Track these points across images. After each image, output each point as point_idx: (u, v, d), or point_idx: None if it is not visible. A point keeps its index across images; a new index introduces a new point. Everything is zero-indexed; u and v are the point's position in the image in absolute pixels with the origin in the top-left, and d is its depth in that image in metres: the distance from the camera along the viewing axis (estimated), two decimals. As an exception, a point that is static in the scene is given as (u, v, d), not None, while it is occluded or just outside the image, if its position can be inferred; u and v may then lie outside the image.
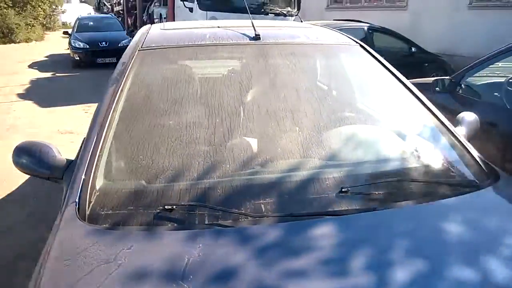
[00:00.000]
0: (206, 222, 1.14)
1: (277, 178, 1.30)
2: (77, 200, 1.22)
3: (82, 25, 11.60)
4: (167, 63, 1.77)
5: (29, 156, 1.43)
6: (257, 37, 1.82)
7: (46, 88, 8.04)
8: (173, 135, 1.44)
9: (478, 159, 1.46)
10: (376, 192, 1.27)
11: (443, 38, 7.84)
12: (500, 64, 3.00)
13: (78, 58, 10.39)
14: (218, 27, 2.02)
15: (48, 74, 9.47)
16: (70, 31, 12.11)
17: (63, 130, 5.11)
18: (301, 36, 1.91)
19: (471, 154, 1.48)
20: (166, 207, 1.17)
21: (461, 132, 1.63)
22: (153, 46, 1.79)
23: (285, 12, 8.94)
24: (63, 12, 30.56)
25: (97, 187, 1.27)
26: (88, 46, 10.31)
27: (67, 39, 11.34)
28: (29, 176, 1.73)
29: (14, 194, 3.39)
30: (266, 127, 1.47)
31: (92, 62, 10.21)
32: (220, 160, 1.35)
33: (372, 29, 6.36)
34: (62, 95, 7.15)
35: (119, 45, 10.57)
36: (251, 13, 2.07)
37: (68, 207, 1.21)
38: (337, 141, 1.49)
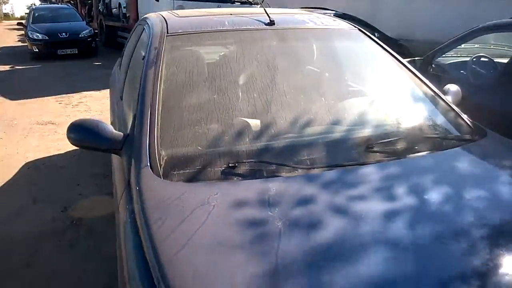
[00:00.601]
0: (265, 175, 1.36)
1: (315, 139, 1.55)
2: (148, 164, 1.40)
3: (38, 16, 11.13)
4: (196, 46, 1.95)
5: (87, 132, 1.58)
6: (272, 23, 2.04)
7: (8, 81, 7.75)
8: (218, 106, 1.64)
9: (468, 120, 1.79)
10: (394, 147, 1.55)
11: (400, 24, 8.38)
12: (463, 46, 3.41)
13: (37, 50, 10.02)
14: (231, 14, 2.21)
15: (6, 67, 9.08)
16: (24, 22, 11.60)
17: (42, 121, 5.05)
18: (309, 22, 2.15)
19: (462, 116, 1.81)
20: (230, 164, 1.39)
21: (448, 100, 1.96)
22: (180, 32, 1.96)
23: (250, 0, 9.14)
24: (4, 2, 28.85)
25: (163, 153, 1.45)
26: (47, 38, 9.95)
27: (16, 31, 10.87)
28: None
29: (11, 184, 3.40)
30: (297, 99, 1.71)
31: (53, 54, 9.88)
32: (264, 127, 1.57)
33: (338, 16, 6.71)
34: (28, 87, 6.95)
35: (80, 35, 10.31)
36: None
37: (142, 169, 1.38)
38: (355, 110, 1.76)
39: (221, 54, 1.96)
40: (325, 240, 1.07)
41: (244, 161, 1.41)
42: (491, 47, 3.68)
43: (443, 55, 3.40)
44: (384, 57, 2.06)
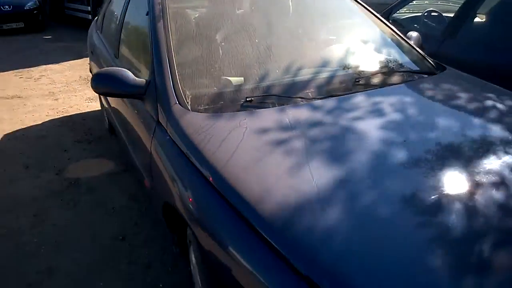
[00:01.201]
0: (277, 106, 1.64)
1: (312, 77, 1.84)
2: (177, 102, 1.63)
3: (-27, -12, 10.30)
4: (197, 2, 2.15)
5: (112, 79, 1.76)
6: None
7: (-47, 58, 7.28)
8: (228, 51, 1.88)
9: (430, 59, 2.17)
10: (375, 80, 1.88)
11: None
12: (415, 2, 3.81)
13: (-23, 25, 9.36)
14: None
15: None
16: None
17: (7, 95, 4.93)
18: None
19: (425, 56, 2.18)
20: (247, 98, 1.65)
21: (412, 43, 2.32)
22: None
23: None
24: None
25: (187, 92, 1.68)
26: (-12, 12, 9.31)
27: None
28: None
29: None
30: (292, 46, 1.99)
31: (-5, 29, 9.29)
32: (269, 68, 1.84)
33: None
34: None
35: (25, 8, 9.73)
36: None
37: (173, 106, 1.61)
38: (339, 53, 2.07)
39: (220, 8, 2.17)
40: (340, 146, 1.39)
41: (259, 95, 1.67)
42: (439, 2, 4.12)
43: (398, 12, 3.78)
44: (357, 9, 2.37)
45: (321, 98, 1.69)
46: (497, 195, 1.17)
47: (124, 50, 2.46)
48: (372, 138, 1.43)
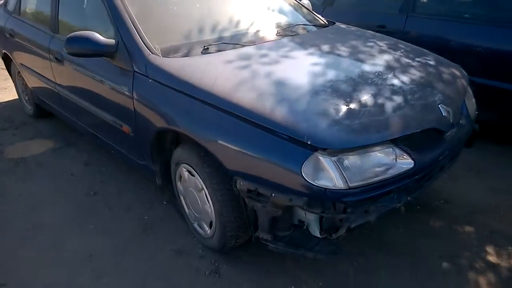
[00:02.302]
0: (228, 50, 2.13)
1: (247, 30, 2.37)
2: (150, 53, 2.01)
3: None
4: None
5: (85, 41, 2.04)
6: None
7: None
8: (179, 12, 2.31)
9: (323, 17, 2.87)
10: (291, 30, 2.49)
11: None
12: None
13: None
14: None
15: None
16: None
17: None
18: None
19: (317, 15, 2.88)
20: (205, 46, 2.11)
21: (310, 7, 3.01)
22: None
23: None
24: None
25: (156, 45, 2.06)
26: None
27: None
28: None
29: None
30: (228, 7, 2.51)
31: None
32: (214, 24, 2.32)
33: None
34: None
35: None
36: None
37: (149, 56, 1.99)
38: (264, 14, 2.64)
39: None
40: (284, 65, 1.95)
41: (213, 44, 2.14)
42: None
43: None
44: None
45: (262, 43, 2.24)
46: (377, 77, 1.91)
47: (66, 24, 2.67)
48: (296, 59, 2.05)
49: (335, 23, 2.84)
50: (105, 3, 2.24)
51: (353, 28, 2.78)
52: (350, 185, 1.51)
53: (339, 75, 1.90)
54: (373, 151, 1.57)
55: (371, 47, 2.32)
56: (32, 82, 3.32)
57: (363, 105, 1.68)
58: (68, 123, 3.07)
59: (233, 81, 1.79)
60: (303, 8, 2.94)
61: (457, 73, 2.21)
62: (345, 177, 1.50)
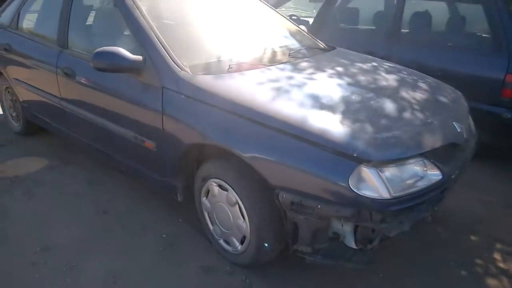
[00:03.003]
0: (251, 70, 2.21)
1: (264, 52, 2.47)
2: (180, 69, 2.04)
3: None
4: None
5: (112, 56, 2.04)
6: None
7: None
8: (202, 33, 2.37)
9: (322, 42, 3.03)
10: (301, 53, 2.62)
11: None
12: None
13: None
14: None
15: None
16: None
17: None
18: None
19: (317, 40, 3.04)
20: (230, 66, 2.17)
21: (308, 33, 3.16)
22: None
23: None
24: None
25: (184, 63, 2.10)
26: None
27: None
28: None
29: None
30: (247, 31, 2.61)
31: None
32: (235, 46, 2.40)
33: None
34: None
35: None
36: None
37: (181, 72, 2.02)
38: (275, 38, 2.75)
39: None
40: (309, 85, 2.05)
41: (236, 63, 2.21)
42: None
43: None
44: (264, 8, 3.08)
45: (283, 64, 2.33)
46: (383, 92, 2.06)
47: (77, 39, 2.65)
48: (319, 79, 2.15)
49: (335, 47, 3.00)
50: (128, 20, 2.26)
51: (354, 52, 2.95)
52: (393, 195, 1.60)
53: (365, 94, 2.02)
54: (408, 164, 1.69)
55: (380, 69, 2.49)
56: (27, 97, 3.20)
57: (395, 121, 1.81)
58: (69, 140, 2.99)
59: (272, 98, 1.86)
60: (305, 33, 3.08)
61: (458, 94, 2.41)
62: (388, 188, 1.59)
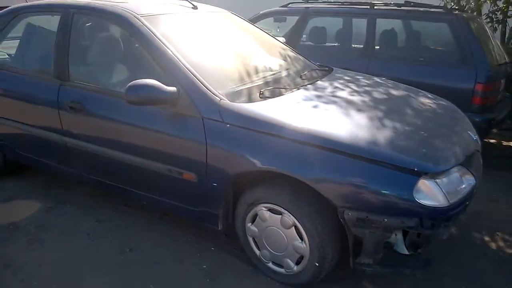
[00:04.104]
0: (282, 92, 2.27)
1: (283, 75, 2.55)
2: (219, 99, 2.06)
3: None
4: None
5: (148, 88, 1.99)
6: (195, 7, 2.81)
7: None
8: (228, 60, 2.40)
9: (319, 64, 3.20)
10: (311, 76, 2.75)
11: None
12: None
13: None
14: None
15: None
16: None
17: None
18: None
19: (312, 62, 3.20)
20: (261, 91, 2.22)
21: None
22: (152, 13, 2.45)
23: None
24: None
25: (220, 91, 2.11)
26: None
27: None
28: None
29: None
30: (264, 57, 2.66)
31: None
32: (256, 71, 2.47)
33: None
34: None
35: None
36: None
37: (221, 101, 2.03)
38: (287, 62, 2.84)
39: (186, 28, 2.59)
40: (343, 102, 2.18)
41: (267, 89, 2.27)
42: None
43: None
44: (262, 33, 3.18)
45: (304, 85, 2.44)
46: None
47: (85, 72, 2.53)
48: (348, 99, 2.29)
49: (331, 67, 3.16)
50: (151, 51, 2.22)
51: (351, 72, 3.13)
52: (450, 202, 1.77)
53: (395, 111, 2.20)
54: (454, 172, 1.88)
55: (389, 87, 2.70)
56: (11, 135, 2.92)
57: (435, 136, 2.04)
58: (59, 177, 2.80)
59: (323, 121, 1.96)
60: (300, 56, 3.20)
61: (453, 105, 2.70)
62: (446, 196, 1.76)
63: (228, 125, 2.00)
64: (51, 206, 2.86)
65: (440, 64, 3.61)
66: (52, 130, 2.63)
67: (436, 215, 1.76)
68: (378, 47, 3.94)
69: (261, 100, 2.14)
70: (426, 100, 2.56)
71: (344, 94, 2.39)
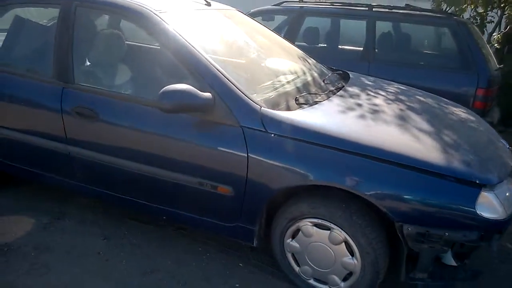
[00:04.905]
0: (316, 99, 2.16)
1: (307, 81, 2.42)
2: (259, 106, 1.90)
3: None
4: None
5: (184, 94, 1.80)
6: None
7: None
8: (258, 66, 2.24)
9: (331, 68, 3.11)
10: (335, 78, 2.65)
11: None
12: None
13: None
14: None
15: None
16: None
17: None
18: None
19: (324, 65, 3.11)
20: (296, 98, 2.09)
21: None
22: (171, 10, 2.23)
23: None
24: None
25: (257, 98, 1.95)
26: None
27: None
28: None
29: None
30: (290, 63, 2.52)
31: None
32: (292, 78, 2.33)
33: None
34: None
35: None
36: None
37: (262, 109, 1.88)
38: (309, 69, 2.70)
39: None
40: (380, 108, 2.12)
41: (302, 95, 2.14)
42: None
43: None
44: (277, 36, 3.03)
45: (334, 91, 2.33)
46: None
47: (91, 71, 2.26)
48: (383, 106, 2.23)
49: (347, 71, 3.04)
50: (181, 55, 2.02)
51: (367, 76, 3.05)
52: (507, 213, 1.74)
53: (438, 121, 2.19)
54: (505, 184, 1.85)
55: (412, 94, 2.66)
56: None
57: (481, 147, 2.04)
58: (69, 189, 2.52)
59: (377, 133, 1.88)
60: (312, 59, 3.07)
61: (474, 113, 2.70)
62: (504, 207, 1.73)
63: (272, 135, 1.85)
64: (47, 222, 2.55)
65: (443, 68, 3.65)
66: (51, 138, 2.33)
67: (495, 227, 1.72)
68: (378, 50, 3.92)
69: (300, 108, 2.01)
70: (454, 108, 2.55)
71: (381, 102, 2.31)
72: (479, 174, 1.72)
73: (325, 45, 4.49)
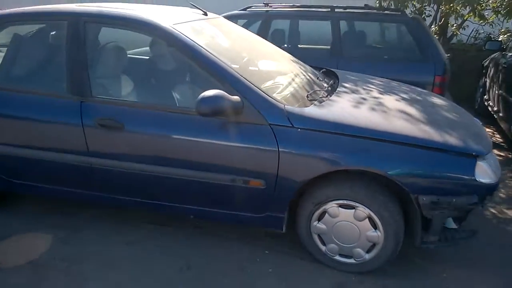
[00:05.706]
0: (327, 95, 2.42)
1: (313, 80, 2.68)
2: (285, 105, 2.11)
3: None
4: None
5: (219, 101, 1.97)
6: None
7: None
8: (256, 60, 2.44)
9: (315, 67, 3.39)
10: (324, 78, 2.93)
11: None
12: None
13: None
14: None
15: None
16: None
17: None
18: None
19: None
20: (308, 94, 2.34)
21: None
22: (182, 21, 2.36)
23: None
24: None
25: (278, 98, 2.16)
26: None
27: None
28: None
29: None
30: (291, 66, 2.74)
31: None
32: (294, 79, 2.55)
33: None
34: None
35: None
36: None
37: (287, 107, 2.09)
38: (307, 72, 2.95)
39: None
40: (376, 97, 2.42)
41: (312, 92, 2.39)
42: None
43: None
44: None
45: (330, 87, 2.60)
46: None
47: (108, 84, 2.33)
48: (383, 99, 2.54)
49: (332, 70, 3.33)
50: (200, 60, 2.17)
51: (351, 73, 3.34)
52: (497, 177, 2.12)
53: (429, 108, 2.54)
54: (492, 154, 2.24)
55: (401, 86, 3.02)
56: (5, 163, 2.52)
57: (469, 127, 2.41)
58: (90, 201, 2.56)
59: (391, 121, 2.18)
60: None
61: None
62: (495, 173, 2.11)
63: (299, 130, 2.07)
64: (64, 236, 2.56)
65: (403, 60, 4.09)
66: (70, 152, 2.36)
67: (489, 190, 2.09)
68: (344, 47, 4.27)
69: (313, 105, 2.25)
70: (432, 95, 2.95)
71: (378, 95, 2.63)
72: (473, 147, 2.08)
73: (290, 45, 4.78)
